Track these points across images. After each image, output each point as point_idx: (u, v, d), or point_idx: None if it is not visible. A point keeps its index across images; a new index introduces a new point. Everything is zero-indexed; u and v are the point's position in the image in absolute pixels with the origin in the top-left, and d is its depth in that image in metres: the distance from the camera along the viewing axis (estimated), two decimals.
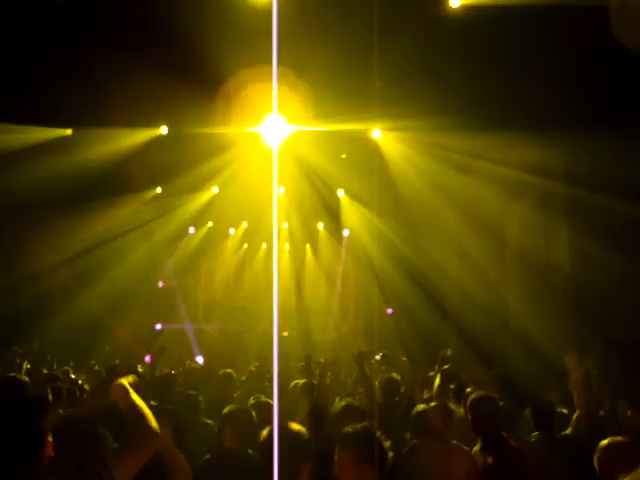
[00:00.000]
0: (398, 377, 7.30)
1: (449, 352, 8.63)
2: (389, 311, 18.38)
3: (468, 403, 5.19)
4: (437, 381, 7.09)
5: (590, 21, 7.78)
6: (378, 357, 12.48)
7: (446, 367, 7.30)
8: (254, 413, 5.05)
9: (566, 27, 8.03)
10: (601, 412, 6.05)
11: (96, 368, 10.94)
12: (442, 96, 10.29)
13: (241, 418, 4.95)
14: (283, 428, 3.53)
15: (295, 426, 3.71)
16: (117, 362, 10.52)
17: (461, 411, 6.02)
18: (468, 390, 6.53)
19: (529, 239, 11.74)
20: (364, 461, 3.44)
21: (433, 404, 5.64)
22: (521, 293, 12.12)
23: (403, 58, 10.07)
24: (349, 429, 3.60)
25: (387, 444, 3.54)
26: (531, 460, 4.83)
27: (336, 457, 3.55)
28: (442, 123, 10.82)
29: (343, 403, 5.26)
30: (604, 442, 4.10)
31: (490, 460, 4.80)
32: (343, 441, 3.55)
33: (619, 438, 4.14)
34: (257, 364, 10.60)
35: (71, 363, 11.28)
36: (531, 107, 9.30)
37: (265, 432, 3.58)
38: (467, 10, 8.80)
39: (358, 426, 3.63)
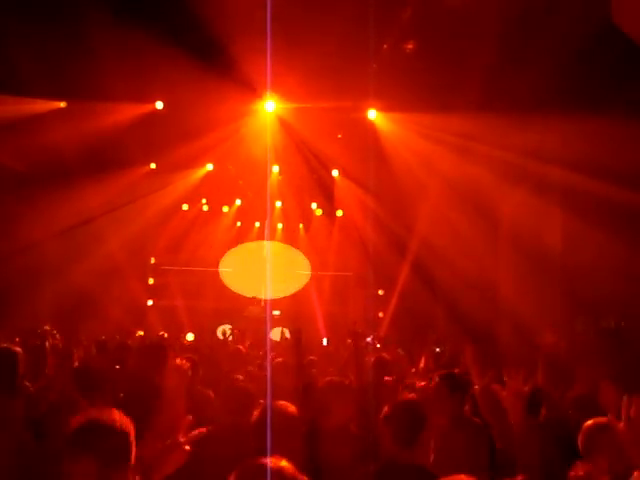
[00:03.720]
0: (388, 357, 7.35)
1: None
2: (380, 292, 18.47)
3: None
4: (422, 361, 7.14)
5: (589, 1, 7.76)
6: (369, 339, 12.54)
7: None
8: None
9: (566, 8, 8.00)
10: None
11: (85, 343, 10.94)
12: (438, 77, 10.27)
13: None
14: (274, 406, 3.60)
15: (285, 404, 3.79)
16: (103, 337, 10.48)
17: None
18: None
19: (522, 222, 11.77)
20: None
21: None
22: (513, 275, 12.19)
23: (400, 37, 10.06)
24: None
25: None
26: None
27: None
28: (438, 104, 10.80)
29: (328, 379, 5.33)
30: (588, 423, 4.13)
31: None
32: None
33: (602, 419, 4.16)
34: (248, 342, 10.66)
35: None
36: (528, 90, 9.28)
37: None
38: None
39: None
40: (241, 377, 6.59)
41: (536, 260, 11.37)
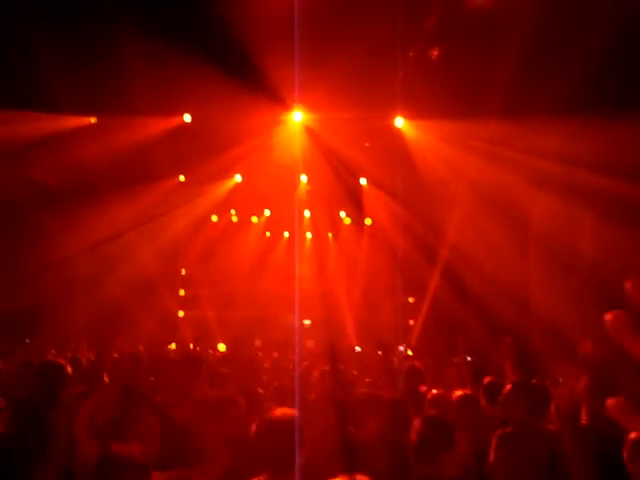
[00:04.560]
0: (420, 365, 7.32)
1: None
2: (410, 300, 18.40)
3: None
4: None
5: (615, 5, 7.69)
6: (401, 348, 12.49)
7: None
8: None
9: (591, 10, 7.93)
10: None
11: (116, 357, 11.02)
12: (464, 83, 10.24)
13: None
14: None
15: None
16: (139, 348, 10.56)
17: None
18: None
19: (553, 226, 11.66)
20: None
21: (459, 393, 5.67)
22: (544, 280, 12.07)
23: (425, 44, 10.05)
24: None
25: None
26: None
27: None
28: (464, 110, 10.76)
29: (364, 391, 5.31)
30: (633, 435, 4.06)
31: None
32: None
33: None
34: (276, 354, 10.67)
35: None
36: (555, 93, 9.21)
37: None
38: None
39: None
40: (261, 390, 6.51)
41: (567, 265, 11.25)
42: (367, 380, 7.02)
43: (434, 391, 6.12)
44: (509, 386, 5.10)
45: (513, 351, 6.75)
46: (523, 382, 5.21)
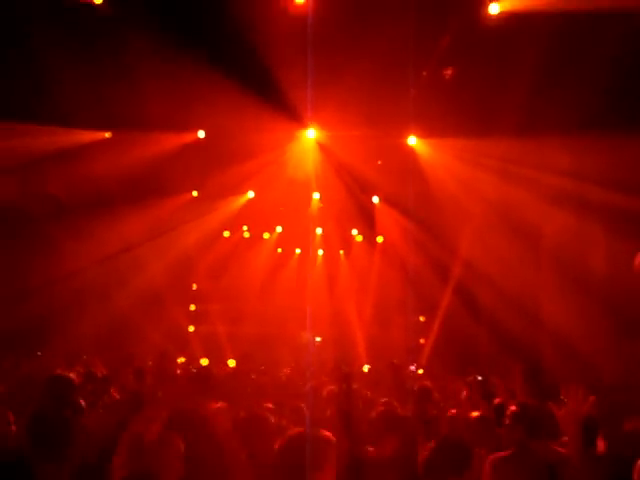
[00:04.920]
0: (430, 385, 7.29)
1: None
2: (421, 318, 18.32)
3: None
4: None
5: (622, 24, 7.71)
6: (413, 367, 12.42)
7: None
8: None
9: (602, 29, 7.96)
10: None
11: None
12: (477, 102, 10.26)
13: None
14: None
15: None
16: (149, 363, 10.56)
17: None
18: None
19: (565, 243, 11.62)
20: None
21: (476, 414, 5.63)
22: (556, 297, 12.01)
23: (438, 63, 10.09)
24: None
25: None
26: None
27: None
28: (477, 129, 10.77)
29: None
30: None
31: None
32: None
33: None
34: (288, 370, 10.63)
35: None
36: (568, 111, 9.22)
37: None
38: (503, 16, 8.75)
39: None
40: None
41: (579, 280, 11.20)
42: (383, 400, 6.95)
43: (453, 411, 6.07)
44: (511, 407, 5.04)
45: (525, 376, 6.70)
46: (525, 404, 5.12)
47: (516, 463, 4.70)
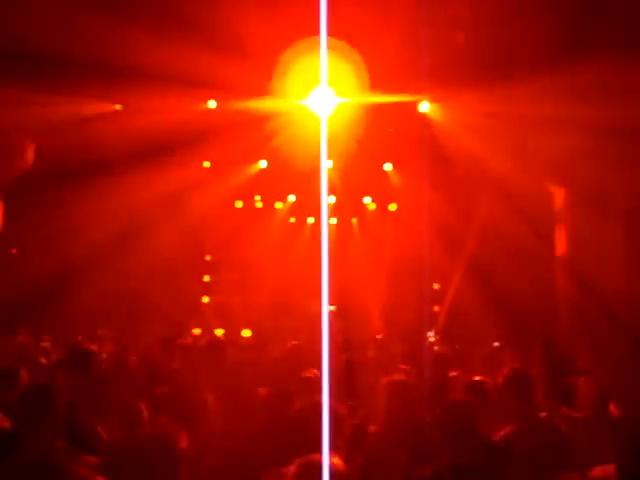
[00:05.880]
0: (448, 352, 7.26)
1: None
2: (436, 286, 18.29)
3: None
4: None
5: None
6: (431, 335, 12.35)
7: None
8: None
9: None
10: None
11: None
12: (491, 65, 10.09)
13: None
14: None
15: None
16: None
17: None
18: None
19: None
20: None
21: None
22: (570, 269, 11.94)
23: (451, 28, 9.92)
24: None
25: None
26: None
27: None
28: (491, 93, 10.60)
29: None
30: None
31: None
32: None
33: None
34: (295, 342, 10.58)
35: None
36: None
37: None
38: None
39: None
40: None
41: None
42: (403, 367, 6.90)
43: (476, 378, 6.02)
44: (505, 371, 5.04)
45: (542, 346, 6.67)
46: (517, 369, 5.11)
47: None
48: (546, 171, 11.45)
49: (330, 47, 8.62)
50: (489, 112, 11.48)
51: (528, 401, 4.90)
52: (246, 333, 15.41)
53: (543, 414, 4.99)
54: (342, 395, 5.16)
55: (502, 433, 4.67)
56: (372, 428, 5.15)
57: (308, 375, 5.81)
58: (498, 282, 14.03)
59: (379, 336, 14.51)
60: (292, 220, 20.13)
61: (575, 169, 11.18)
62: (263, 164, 16.29)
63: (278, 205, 19.74)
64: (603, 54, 8.54)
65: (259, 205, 19.70)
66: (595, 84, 9.23)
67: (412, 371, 6.45)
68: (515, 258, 13.02)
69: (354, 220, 20.03)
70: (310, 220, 20.17)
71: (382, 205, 18.95)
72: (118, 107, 12.31)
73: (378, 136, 13.77)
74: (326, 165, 15.97)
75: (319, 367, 8.09)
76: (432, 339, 13.58)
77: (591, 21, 8.48)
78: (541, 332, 7.66)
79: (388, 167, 16.38)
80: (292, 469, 2.99)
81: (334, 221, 20.00)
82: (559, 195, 12.30)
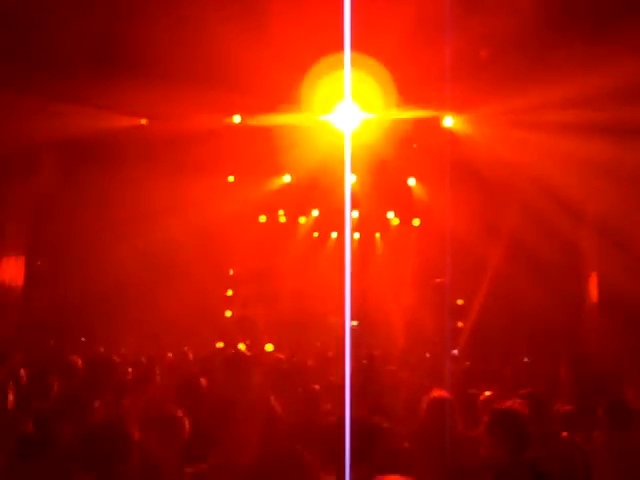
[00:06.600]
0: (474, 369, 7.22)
1: None
2: (459, 302, 18.16)
3: None
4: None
5: None
6: (455, 351, 12.28)
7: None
8: None
9: None
10: None
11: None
12: (513, 80, 10.06)
13: None
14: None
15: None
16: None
17: None
18: None
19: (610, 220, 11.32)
20: None
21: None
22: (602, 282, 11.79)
23: (474, 41, 9.90)
24: None
25: None
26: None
27: None
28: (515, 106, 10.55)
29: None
30: None
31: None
32: None
33: None
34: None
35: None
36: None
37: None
38: None
39: None
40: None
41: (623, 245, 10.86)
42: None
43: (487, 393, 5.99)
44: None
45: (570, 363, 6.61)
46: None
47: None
48: (575, 184, 11.34)
49: (354, 63, 8.70)
50: (513, 125, 11.44)
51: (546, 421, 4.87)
52: (269, 347, 15.42)
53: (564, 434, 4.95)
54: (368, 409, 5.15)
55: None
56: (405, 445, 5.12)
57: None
58: (523, 298, 13.92)
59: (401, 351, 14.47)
60: (315, 235, 20.16)
61: (605, 180, 11.09)
62: (287, 178, 16.35)
63: (302, 219, 19.78)
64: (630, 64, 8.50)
65: (283, 219, 19.75)
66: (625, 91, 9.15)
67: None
68: (541, 274, 12.90)
69: (377, 235, 20.01)
70: (333, 235, 20.19)
71: (405, 220, 18.94)
72: (144, 121, 12.43)
73: (402, 151, 13.78)
74: (350, 180, 16.02)
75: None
76: (456, 354, 13.49)
77: (617, 28, 8.42)
78: (567, 349, 7.56)
79: (412, 182, 16.38)
80: None
81: (357, 236, 20.00)
82: (589, 209, 12.17)
